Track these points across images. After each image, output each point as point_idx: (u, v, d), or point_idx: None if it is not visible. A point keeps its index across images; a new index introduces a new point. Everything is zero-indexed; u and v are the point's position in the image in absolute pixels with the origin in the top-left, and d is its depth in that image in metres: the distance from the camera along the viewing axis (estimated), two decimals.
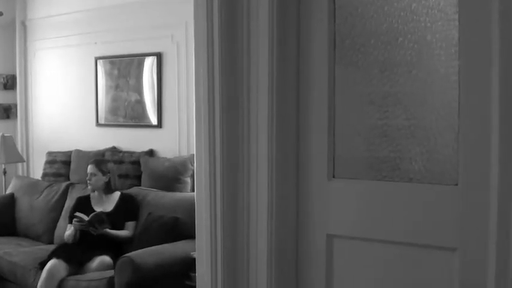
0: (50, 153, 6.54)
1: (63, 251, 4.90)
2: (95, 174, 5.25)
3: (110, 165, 5.38)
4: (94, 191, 5.28)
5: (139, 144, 6.01)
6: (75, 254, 4.83)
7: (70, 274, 4.70)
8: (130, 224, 5.11)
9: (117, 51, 6.27)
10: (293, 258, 2.71)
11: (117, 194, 5.29)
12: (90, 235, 4.89)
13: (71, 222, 5.08)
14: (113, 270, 4.47)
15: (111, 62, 6.33)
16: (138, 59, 6.10)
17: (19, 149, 6.96)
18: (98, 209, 5.14)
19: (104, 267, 4.68)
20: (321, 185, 2.64)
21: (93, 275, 4.59)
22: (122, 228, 5.07)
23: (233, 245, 2.71)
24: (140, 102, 6.14)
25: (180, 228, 4.80)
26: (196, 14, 2.70)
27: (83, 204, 5.28)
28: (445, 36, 2.35)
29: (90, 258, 4.78)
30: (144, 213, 5.12)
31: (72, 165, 6.28)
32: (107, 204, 5.23)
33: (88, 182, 5.28)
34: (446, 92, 2.37)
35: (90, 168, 5.28)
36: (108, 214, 5.03)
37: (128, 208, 5.19)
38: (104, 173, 5.27)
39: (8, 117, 7.25)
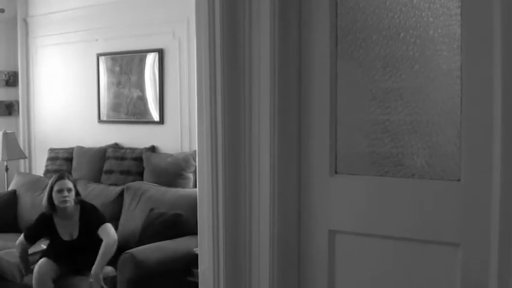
0: (52, 150, 6.55)
1: (52, 252, 4.76)
2: (70, 190, 4.81)
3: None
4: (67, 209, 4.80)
5: (141, 140, 6.01)
6: (68, 261, 4.67)
7: (62, 273, 4.62)
8: (104, 228, 4.72)
9: (118, 47, 6.27)
10: (295, 254, 2.71)
11: (78, 210, 4.84)
12: (86, 246, 4.70)
13: (28, 239, 4.80)
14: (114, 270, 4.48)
15: (113, 58, 6.33)
16: (140, 55, 6.10)
17: (21, 146, 6.97)
18: (65, 236, 4.77)
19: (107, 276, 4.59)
20: (323, 180, 2.64)
21: None
22: (96, 239, 4.69)
23: (235, 240, 2.71)
24: (142, 99, 6.15)
25: (183, 224, 4.80)
26: (197, 9, 2.70)
27: (47, 226, 4.83)
28: (447, 31, 2.35)
29: (89, 268, 4.55)
30: (146, 208, 5.12)
31: (74, 162, 6.29)
32: (72, 227, 4.80)
33: (66, 199, 4.75)
34: (448, 87, 2.36)
35: (66, 183, 4.79)
36: (75, 241, 4.75)
37: (90, 220, 4.77)
38: (75, 187, 4.90)
39: (10, 114, 7.26)
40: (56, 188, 4.77)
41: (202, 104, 2.72)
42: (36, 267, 4.59)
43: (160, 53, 5.93)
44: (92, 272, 4.47)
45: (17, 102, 7.26)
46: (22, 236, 4.85)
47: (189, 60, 5.60)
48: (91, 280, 4.46)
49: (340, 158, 2.63)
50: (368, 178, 2.56)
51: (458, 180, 2.35)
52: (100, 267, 4.50)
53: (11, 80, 7.24)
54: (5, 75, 7.20)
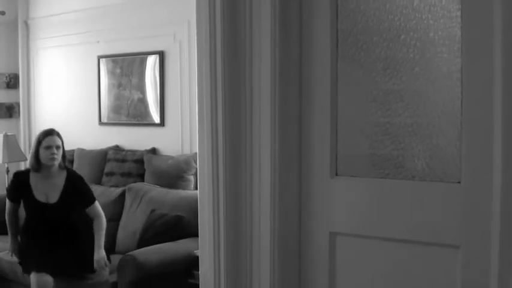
0: None
1: (44, 264, 4.30)
2: (59, 147, 4.42)
3: None
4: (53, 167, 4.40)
5: (142, 142, 6.01)
6: (65, 271, 4.35)
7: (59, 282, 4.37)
8: (96, 207, 4.44)
9: (119, 49, 6.28)
10: (296, 256, 2.71)
11: (63, 175, 4.46)
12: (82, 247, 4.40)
13: (12, 200, 4.47)
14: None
15: (114, 60, 6.34)
16: (141, 57, 6.10)
17: (22, 148, 6.96)
18: (40, 197, 4.37)
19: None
20: (323, 182, 2.64)
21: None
22: (70, 215, 4.41)
23: (236, 242, 2.71)
24: (143, 101, 6.15)
25: (184, 226, 4.80)
26: (198, 12, 2.70)
27: (22, 185, 4.43)
28: (448, 34, 2.35)
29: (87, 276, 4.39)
30: (147, 209, 5.12)
31: (75, 164, 6.29)
32: (50, 190, 4.40)
33: (54, 156, 4.35)
34: (449, 90, 2.37)
35: (55, 140, 4.39)
36: (51, 206, 4.36)
37: (76, 193, 4.43)
38: (63, 145, 4.50)
39: (10, 116, 7.26)
40: (44, 144, 4.37)
41: (203, 106, 2.72)
42: (33, 284, 4.32)
43: (161, 55, 5.94)
44: (95, 258, 4.32)
45: (18, 104, 7.26)
46: (6, 199, 4.58)
47: (189, 62, 5.60)
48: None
49: (340, 160, 2.63)
50: (369, 180, 2.57)
51: (459, 182, 2.35)
52: (101, 247, 4.34)
53: (12, 82, 7.24)
54: (6, 77, 7.21)
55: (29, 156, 4.52)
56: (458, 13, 2.31)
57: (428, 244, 2.43)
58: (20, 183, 4.46)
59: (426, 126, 2.43)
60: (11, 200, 4.54)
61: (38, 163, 4.39)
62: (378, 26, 2.50)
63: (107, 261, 4.34)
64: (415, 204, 2.45)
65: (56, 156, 4.36)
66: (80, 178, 4.56)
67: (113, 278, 4.47)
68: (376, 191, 2.55)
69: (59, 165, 4.43)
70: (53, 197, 4.38)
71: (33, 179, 4.42)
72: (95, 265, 4.29)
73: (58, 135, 4.46)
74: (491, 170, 2.25)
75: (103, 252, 4.32)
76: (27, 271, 4.41)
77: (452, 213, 2.36)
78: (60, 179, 4.43)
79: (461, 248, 2.35)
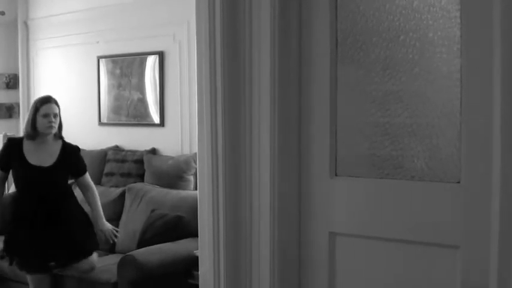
0: None
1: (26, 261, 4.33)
2: (56, 115, 4.35)
3: None
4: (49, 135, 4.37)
5: (142, 143, 6.02)
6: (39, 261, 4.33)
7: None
8: (85, 178, 4.52)
9: (119, 50, 6.28)
10: (296, 256, 2.71)
11: (58, 144, 4.43)
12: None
13: (6, 170, 4.41)
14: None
15: (114, 61, 6.34)
16: (140, 57, 6.11)
17: None
18: (33, 161, 4.32)
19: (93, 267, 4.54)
20: (323, 183, 2.64)
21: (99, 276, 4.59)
22: (64, 182, 4.47)
23: (235, 242, 2.71)
24: (142, 101, 6.15)
25: (183, 226, 4.81)
26: (198, 12, 2.70)
27: (15, 150, 4.36)
28: (447, 34, 2.35)
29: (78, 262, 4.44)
30: (147, 209, 5.12)
31: None
32: (45, 157, 4.36)
33: (52, 124, 4.30)
34: (448, 90, 2.37)
35: (53, 108, 4.32)
36: (45, 170, 4.32)
37: (71, 162, 4.45)
38: (60, 113, 4.43)
39: (10, 116, 7.26)
40: (41, 112, 4.30)
41: (202, 106, 2.72)
42: (29, 279, 4.43)
43: (161, 55, 5.94)
44: (100, 228, 4.40)
45: (18, 104, 7.26)
46: None
47: (189, 62, 5.61)
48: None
49: (340, 160, 2.63)
50: (368, 180, 2.57)
51: (458, 182, 2.35)
52: (103, 217, 4.41)
53: (12, 83, 7.25)
54: (6, 77, 7.21)
55: (25, 124, 4.43)
56: (458, 13, 2.31)
57: (428, 244, 2.43)
58: (12, 147, 4.39)
59: (426, 126, 2.43)
60: (0, 167, 4.45)
61: (34, 130, 4.32)
62: (377, 26, 2.51)
63: (116, 228, 4.34)
64: (414, 204, 2.46)
65: (53, 124, 4.30)
66: (76, 147, 4.54)
67: (113, 278, 4.48)
68: (376, 191, 2.55)
69: (55, 134, 4.37)
70: (47, 162, 4.33)
71: (27, 146, 4.36)
72: (102, 236, 4.31)
73: (56, 102, 4.38)
74: (490, 170, 2.25)
75: (106, 223, 4.35)
76: (19, 268, 4.43)
77: (452, 213, 2.37)
78: (55, 148, 4.39)
79: (461, 248, 2.35)
